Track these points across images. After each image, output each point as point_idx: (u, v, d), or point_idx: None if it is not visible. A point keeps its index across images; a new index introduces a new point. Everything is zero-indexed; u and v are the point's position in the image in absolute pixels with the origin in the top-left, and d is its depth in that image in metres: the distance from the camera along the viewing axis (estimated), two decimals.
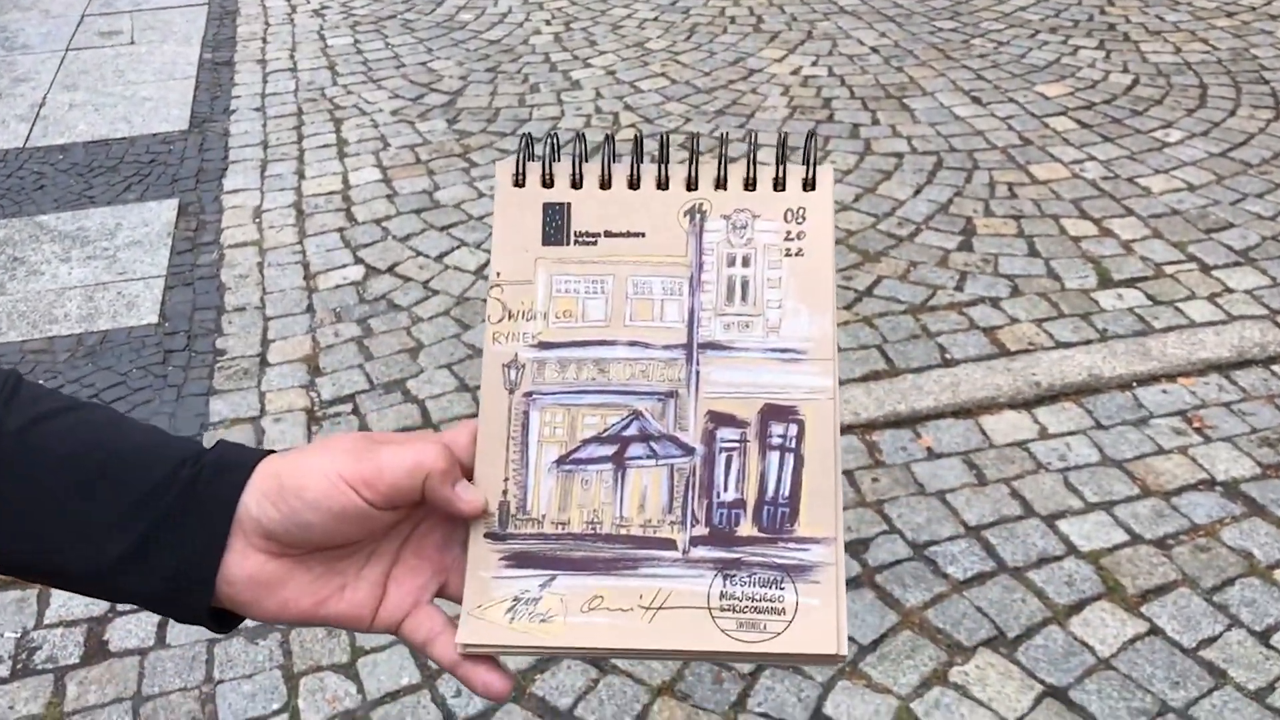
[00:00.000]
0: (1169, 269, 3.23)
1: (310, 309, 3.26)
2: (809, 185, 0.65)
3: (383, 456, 0.58)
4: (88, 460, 0.58)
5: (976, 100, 4.28)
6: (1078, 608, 2.21)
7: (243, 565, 0.59)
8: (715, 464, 0.61)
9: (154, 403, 2.91)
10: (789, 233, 0.64)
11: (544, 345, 0.64)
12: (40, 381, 3.00)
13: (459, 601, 0.61)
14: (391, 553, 0.63)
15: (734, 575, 0.60)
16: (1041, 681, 2.07)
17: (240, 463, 0.59)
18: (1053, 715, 2.01)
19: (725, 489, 0.61)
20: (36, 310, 3.32)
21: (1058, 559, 2.32)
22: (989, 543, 2.37)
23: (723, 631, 0.59)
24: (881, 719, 2.02)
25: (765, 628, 0.59)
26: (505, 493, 0.62)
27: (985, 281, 3.21)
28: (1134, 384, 2.81)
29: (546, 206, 0.65)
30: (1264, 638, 2.14)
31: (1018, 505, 2.46)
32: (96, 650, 2.23)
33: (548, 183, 0.66)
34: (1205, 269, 3.22)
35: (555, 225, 0.65)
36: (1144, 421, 2.68)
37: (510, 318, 0.64)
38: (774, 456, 0.61)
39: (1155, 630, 2.16)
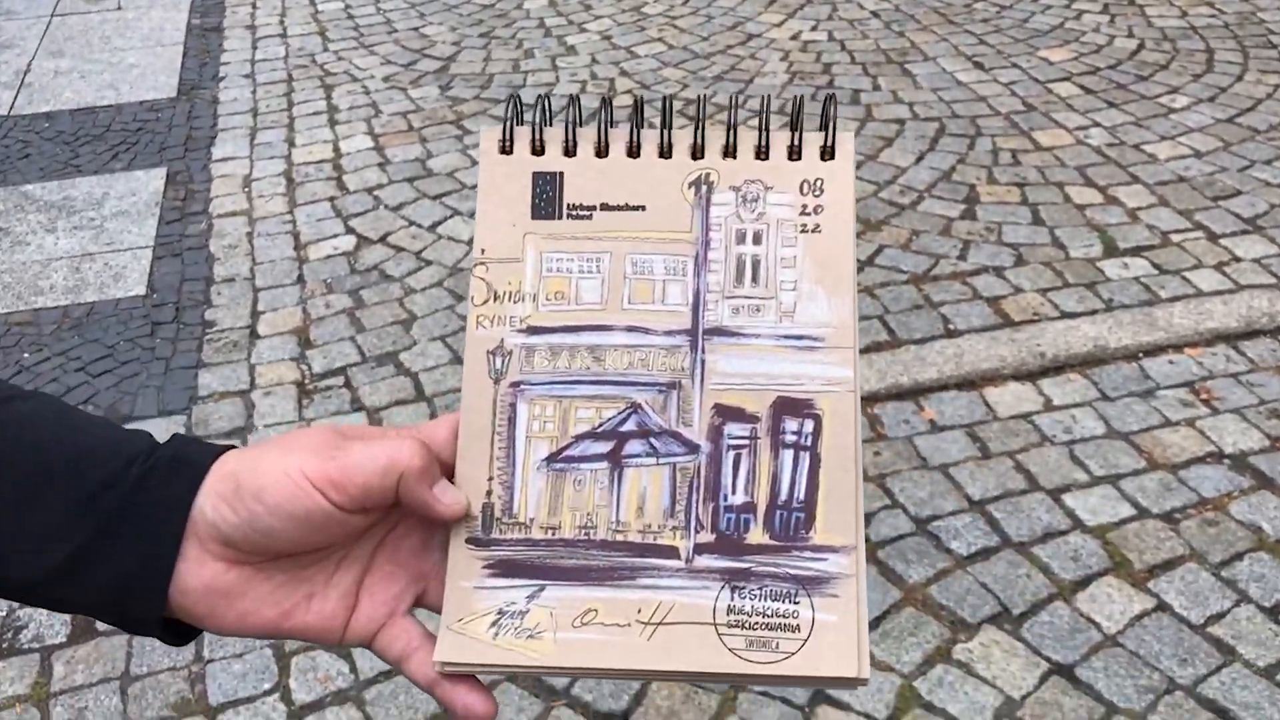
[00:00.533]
0: (1175, 237, 3.17)
1: (301, 280, 3.21)
2: (827, 154, 0.59)
3: (352, 454, 0.53)
4: (28, 457, 0.53)
5: (979, 65, 4.21)
6: (1084, 583, 2.17)
7: (198, 574, 0.53)
8: (722, 463, 0.56)
9: (141, 376, 2.86)
10: (805, 207, 0.58)
11: (533, 330, 0.58)
12: (25, 355, 2.94)
13: (439, 612, 0.56)
14: (364, 559, 0.57)
15: (743, 588, 0.54)
16: (1047, 659, 2.04)
17: (195, 460, 0.54)
18: (1058, 693, 1.98)
19: (733, 491, 0.55)
20: (22, 281, 3.25)
21: (1063, 534, 2.28)
22: (993, 517, 2.33)
23: (730, 651, 0.53)
24: (884, 697, 1.99)
25: (777, 647, 0.53)
26: (489, 494, 0.56)
27: (989, 250, 3.16)
28: (1140, 355, 2.76)
29: (536, 176, 0.59)
30: (1273, 613, 2.10)
31: (1022, 479, 2.42)
32: (84, 629, 2.19)
33: (538, 150, 0.60)
34: (1212, 237, 3.17)
35: (546, 197, 0.59)
36: (1150, 393, 2.64)
37: (496, 299, 0.58)
38: (787, 455, 0.55)
39: (1163, 606, 2.12)
